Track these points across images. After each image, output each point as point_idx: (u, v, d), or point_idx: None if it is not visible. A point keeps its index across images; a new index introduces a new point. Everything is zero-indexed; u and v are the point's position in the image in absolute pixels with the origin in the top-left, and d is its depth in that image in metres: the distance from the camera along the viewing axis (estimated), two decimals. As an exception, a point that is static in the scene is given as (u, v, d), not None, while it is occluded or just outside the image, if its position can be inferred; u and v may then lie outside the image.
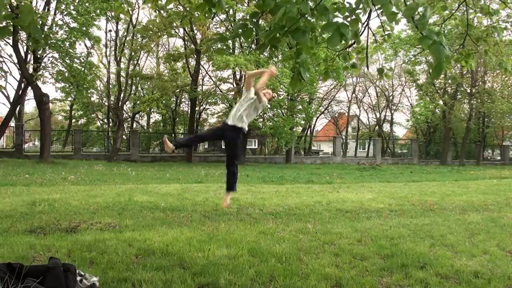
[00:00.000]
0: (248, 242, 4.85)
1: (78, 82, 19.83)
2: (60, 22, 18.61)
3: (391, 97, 38.70)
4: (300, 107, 25.91)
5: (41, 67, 19.65)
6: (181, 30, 24.78)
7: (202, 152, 33.56)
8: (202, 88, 32.16)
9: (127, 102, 31.20)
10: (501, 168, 25.68)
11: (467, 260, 4.44)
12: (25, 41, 19.04)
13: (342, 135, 37.70)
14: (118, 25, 27.99)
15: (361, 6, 2.94)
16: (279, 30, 2.83)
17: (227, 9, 20.15)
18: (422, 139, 35.69)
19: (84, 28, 18.46)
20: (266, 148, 35.51)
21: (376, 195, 9.70)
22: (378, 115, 40.22)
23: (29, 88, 21.27)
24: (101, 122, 38.00)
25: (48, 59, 20.12)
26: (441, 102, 29.98)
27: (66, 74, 19.72)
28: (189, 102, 29.90)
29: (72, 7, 17.91)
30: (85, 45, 24.82)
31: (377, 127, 40.53)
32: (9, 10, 11.23)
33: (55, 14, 19.44)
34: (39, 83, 19.63)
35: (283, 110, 24.79)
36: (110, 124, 33.05)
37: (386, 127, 41.08)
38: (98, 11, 18.24)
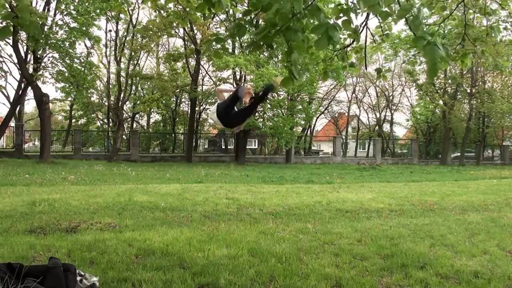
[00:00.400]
0: (248, 242, 4.85)
1: (78, 82, 19.86)
2: (60, 22, 18.67)
3: (391, 97, 38.70)
4: (300, 107, 25.92)
5: (41, 67, 19.65)
6: (181, 30, 24.76)
7: (202, 152, 33.56)
8: (202, 88, 32.18)
9: (127, 102, 31.23)
10: (501, 168, 25.69)
11: (467, 260, 4.44)
12: (25, 41, 19.02)
13: (342, 135, 37.68)
14: (118, 25, 28.08)
15: (351, 6, 2.93)
16: (270, 28, 2.82)
17: (227, 9, 20.13)
18: (422, 139, 35.69)
19: (84, 28, 18.50)
20: (266, 148, 35.49)
21: (376, 195, 9.69)
22: (378, 115, 40.27)
23: (29, 88, 21.27)
24: (101, 122, 38.00)
25: (48, 59, 20.18)
26: (441, 102, 29.97)
27: (66, 74, 19.75)
28: (189, 102, 29.89)
29: (72, 7, 17.93)
30: (85, 45, 24.90)
31: (377, 127, 40.51)
32: (9, 10, 11.22)
33: (55, 14, 19.47)
34: (39, 83, 19.63)
35: (283, 110, 24.79)
36: (110, 124, 33.05)
37: (386, 127, 41.13)
38: (98, 11, 18.28)
